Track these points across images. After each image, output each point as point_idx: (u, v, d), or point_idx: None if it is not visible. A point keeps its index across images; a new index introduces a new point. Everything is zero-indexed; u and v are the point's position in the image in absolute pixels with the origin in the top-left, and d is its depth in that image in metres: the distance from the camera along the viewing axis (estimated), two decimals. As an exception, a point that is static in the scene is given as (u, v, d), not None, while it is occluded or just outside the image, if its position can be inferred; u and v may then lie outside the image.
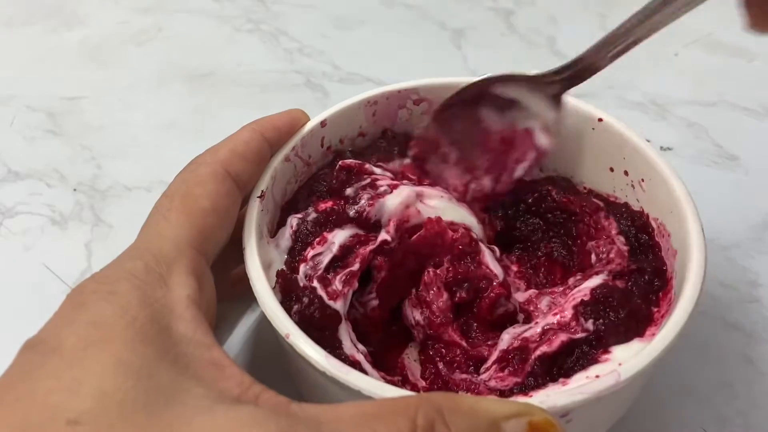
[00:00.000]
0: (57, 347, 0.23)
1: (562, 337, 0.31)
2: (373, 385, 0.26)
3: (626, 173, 0.38)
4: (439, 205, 0.37)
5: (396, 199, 0.35)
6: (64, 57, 0.61)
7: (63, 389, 0.22)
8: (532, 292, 0.37)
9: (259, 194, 0.33)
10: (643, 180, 0.36)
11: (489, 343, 0.34)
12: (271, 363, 0.35)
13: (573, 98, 0.39)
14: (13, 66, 0.61)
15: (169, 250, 0.27)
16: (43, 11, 0.66)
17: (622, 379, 0.27)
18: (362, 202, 0.35)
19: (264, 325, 0.39)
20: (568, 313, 0.32)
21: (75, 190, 0.49)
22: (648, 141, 0.36)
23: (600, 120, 0.38)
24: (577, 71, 0.35)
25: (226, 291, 0.32)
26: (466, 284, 0.35)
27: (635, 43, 0.33)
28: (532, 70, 0.37)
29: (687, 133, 0.53)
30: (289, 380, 0.33)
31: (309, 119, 0.37)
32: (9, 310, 0.42)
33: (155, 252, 0.27)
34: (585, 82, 0.35)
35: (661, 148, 0.46)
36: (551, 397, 0.26)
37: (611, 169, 0.39)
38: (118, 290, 0.25)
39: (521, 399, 0.26)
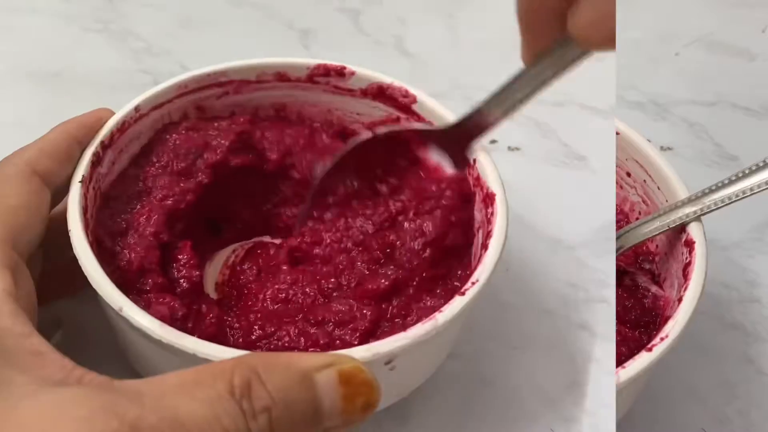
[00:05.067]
0: None
1: None
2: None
3: (628, 174, 0.38)
4: None
5: None
6: None
7: None
8: None
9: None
10: (645, 181, 0.37)
11: None
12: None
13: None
14: None
15: None
16: None
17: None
18: None
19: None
20: None
21: None
22: (648, 141, 0.36)
23: (601, 120, 0.38)
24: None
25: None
26: None
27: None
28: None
29: (687, 133, 0.52)
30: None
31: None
32: None
33: None
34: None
35: (661, 148, 0.46)
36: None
37: (612, 169, 0.39)
38: None
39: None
